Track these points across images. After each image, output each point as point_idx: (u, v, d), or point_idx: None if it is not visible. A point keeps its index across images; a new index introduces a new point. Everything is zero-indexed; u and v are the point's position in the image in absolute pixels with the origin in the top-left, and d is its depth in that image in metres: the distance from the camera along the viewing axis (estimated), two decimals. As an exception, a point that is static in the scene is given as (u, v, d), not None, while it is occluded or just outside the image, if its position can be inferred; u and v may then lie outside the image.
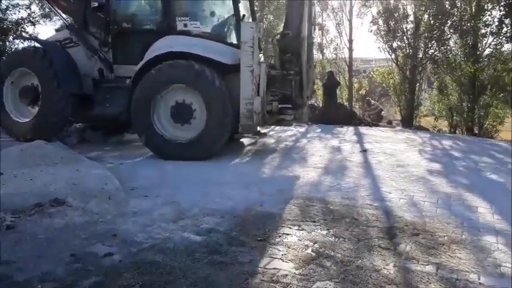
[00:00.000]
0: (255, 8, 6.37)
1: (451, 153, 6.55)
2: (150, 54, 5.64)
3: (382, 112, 15.86)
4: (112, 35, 6.17)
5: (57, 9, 6.78)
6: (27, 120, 6.41)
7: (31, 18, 20.24)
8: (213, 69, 5.47)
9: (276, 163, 5.60)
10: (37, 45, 6.85)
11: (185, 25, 5.85)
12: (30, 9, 20.66)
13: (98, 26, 6.27)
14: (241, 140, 7.17)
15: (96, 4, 6.35)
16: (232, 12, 6.28)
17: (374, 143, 7.23)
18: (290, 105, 5.88)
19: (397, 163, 5.58)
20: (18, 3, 18.85)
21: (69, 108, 6.20)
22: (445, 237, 3.01)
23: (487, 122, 13.87)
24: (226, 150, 6.17)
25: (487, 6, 12.56)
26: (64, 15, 6.97)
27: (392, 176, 4.86)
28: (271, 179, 4.72)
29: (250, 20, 6.45)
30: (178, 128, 5.69)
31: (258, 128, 5.74)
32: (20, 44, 18.90)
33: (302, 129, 9.03)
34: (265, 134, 6.09)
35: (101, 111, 6.03)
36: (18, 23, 18.65)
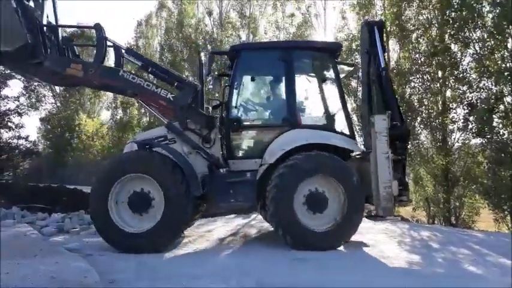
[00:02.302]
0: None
1: (429, 245, 6.65)
2: (284, 146, 5.94)
3: None
4: (231, 131, 6.32)
5: (153, 109, 6.64)
6: (144, 229, 5.62)
7: (18, 109, 20.93)
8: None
9: (256, 254, 5.57)
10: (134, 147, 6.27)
11: (314, 120, 6.48)
12: (19, 100, 21.48)
13: (200, 123, 6.32)
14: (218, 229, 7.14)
15: (217, 102, 6.60)
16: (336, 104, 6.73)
17: (356, 234, 7.29)
18: (402, 187, 6.13)
19: (378, 255, 5.63)
20: (7, 95, 19.61)
21: (192, 211, 5.97)
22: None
23: (464, 213, 14.22)
24: (203, 241, 6.15)
25: (452, 104, 13.64)
26: (159, 114, 6.79)
27: (374, 268, 4.90)
28: (250, 271, 4.68)
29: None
30: (312, 216, 5.84)
31: None
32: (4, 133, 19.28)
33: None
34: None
35: (228, 206, 6.16)
36: (5, 114, 19.18)
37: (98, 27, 6.44)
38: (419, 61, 14.29)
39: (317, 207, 5.85)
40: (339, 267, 4.88)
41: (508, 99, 12.22)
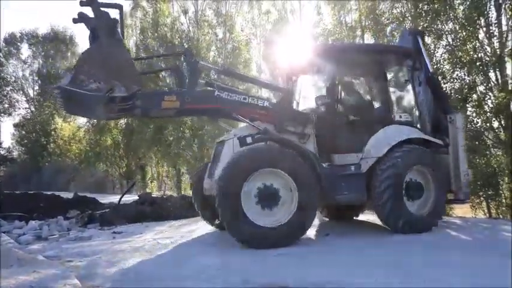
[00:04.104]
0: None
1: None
2: (390, 140, 6.44)
3: None
4: (336, 126, 6.70)
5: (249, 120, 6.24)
6: (278, 223, 5.63)
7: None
8: None
9: (239, 251, 5.56)
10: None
11: (400, 116, 6.99)
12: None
13: (295, 121, 6.42)
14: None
15: (325, 100, 6.73)
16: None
17: (340, 227, 7.38)
18: None
19: (360, 246, 5.70)
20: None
21: None
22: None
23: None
24: (185, 242, 6.11)
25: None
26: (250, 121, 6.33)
27: (355, 258, 4.95)
28: (235, 269, 4.66)
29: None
30: (410, 203, 6.44)
31: None
32: None
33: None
34: None
35: (343, 198, 6.31)
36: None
37: (188, 53, 6.34)
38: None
39: (414, 194, 6.48)
40: (321, 261, 4.92)
41: (480, 88, 12.52)
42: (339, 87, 7.04)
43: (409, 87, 7.34)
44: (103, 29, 5.28)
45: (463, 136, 6.92)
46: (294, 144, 6.06)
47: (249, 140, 5.85)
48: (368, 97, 7.52)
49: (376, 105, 7.21)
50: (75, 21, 5.30)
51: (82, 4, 5.23)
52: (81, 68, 5.21)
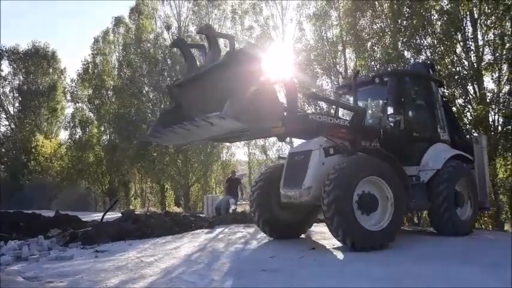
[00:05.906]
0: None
1: (395, 244, 6.79)
2: (444, 155, 7.58)
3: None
4: (403, 142, 7.39)
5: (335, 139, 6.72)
6: (378, 227, 6.20)
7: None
8: None
9: (224, 268, 5.50)
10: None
11: (443, 135, 8.05)
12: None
13: (365, 136, 7.07)
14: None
15: (398, 118, 7.28)
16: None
17: (322, 240, 7.37)
18: None
19: (344, 260, 5.69)
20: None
21: None
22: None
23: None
24: (170, 259, 6.01)
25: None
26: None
27: (342, 271, 4.94)
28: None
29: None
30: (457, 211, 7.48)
31: None
32: None
33: (251, 230, 9.03)
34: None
35: (413, 206, 7.14)
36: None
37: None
38: (375, 68, 14.77)
39: (459, 202, 7.52)
40: (305, 276, 4.90)
41: (459, 101, 12.82)
42: (405, 106, 7.79)
43: (439, 110, 8.21)
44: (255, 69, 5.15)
45: (486, 154, 8.22)
46: (387, 154, 6.66)
47: (331, 150, 6.56)
48: (421, 117, 8.33)
49: (430, 124, 8.10)
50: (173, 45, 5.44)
51: (199, 32, 5.41)
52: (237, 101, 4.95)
